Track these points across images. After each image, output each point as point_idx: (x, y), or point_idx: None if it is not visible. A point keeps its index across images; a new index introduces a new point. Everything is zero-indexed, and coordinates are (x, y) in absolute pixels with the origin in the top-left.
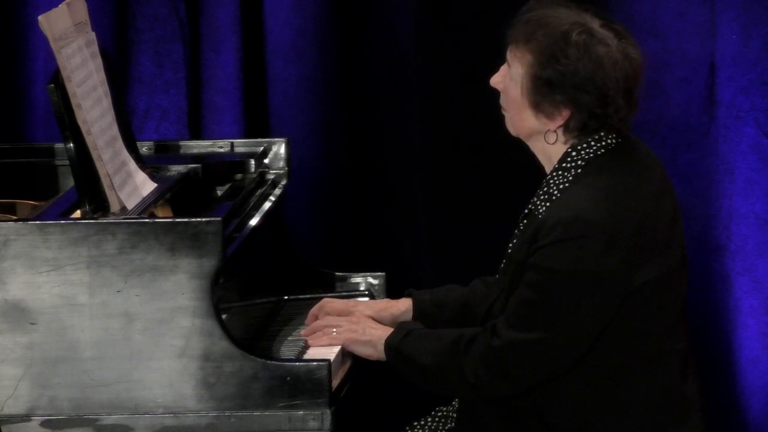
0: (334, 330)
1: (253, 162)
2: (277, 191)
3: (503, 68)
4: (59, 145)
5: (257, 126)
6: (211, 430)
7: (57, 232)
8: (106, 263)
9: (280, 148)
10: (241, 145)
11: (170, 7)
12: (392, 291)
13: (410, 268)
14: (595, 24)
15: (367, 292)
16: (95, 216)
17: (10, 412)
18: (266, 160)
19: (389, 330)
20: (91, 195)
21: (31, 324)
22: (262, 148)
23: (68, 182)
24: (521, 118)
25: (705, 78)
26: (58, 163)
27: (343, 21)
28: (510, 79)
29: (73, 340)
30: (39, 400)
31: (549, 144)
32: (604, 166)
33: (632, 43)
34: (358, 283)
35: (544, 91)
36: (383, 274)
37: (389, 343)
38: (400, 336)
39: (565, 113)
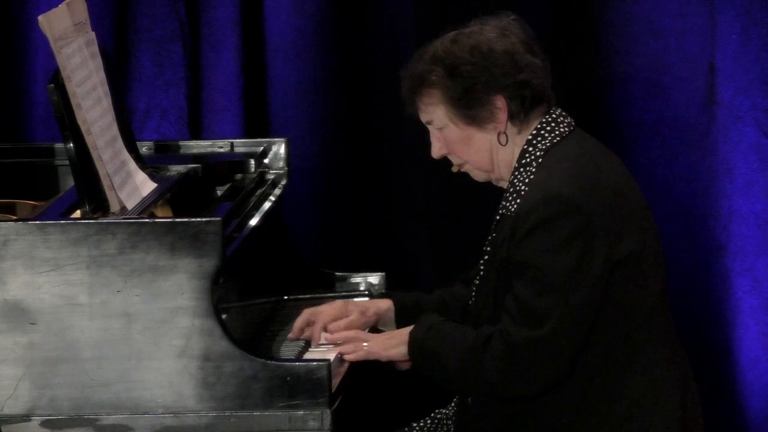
0: (366, 344)
1: (253, 162)
2: (277, 191)
3: (432, 135)
4: (59, 145)
5: (257, 126)
6: (211, 430)
7: (57, 232)
8: (106, 263)
9: (280, 148)
10: (241, 145)
11: (170, 7)
12: (392, 291)
13: (410, 268)
14: (453, 33)
15: (367, 292)
16: (95, 216)
17: (10, 412)
18: (266, 160)
19: (405, 333)
20: (91, 195)
21: (31, 324)
22: (262, 148)
23: (68, 182)
24: (477, 148)
25: (705, 78)
26: (58, 163)
27: (343, 21)
28: (441, 130)
29: (73, 340)
30: (39, 400)
31: (503, 146)
32: (564, 149)
33: (495, 21)
34: (357, 283)
35: (469, 102)
36: (383, 274)
37: (415, 337)
38: (424, 329)
39: (500, 102)
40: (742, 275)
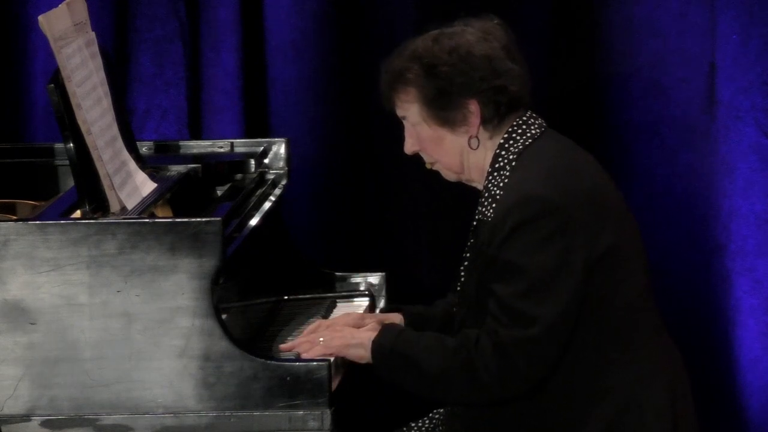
0: (321, 339)
1: (253, 162)
2: (277, 191)
3: (406, 130)
4: (59, 145)
5: (257, 126)
6: (211, 430)
7: (57, 232)
8: (106, 263)
9: (280, 148)
10: (241, 145)
11: (170, 7)
12: (392, 291)
13: (410, 268)
14: (436, 32)
15: (367, 292)
16: (95, 216)
17: (10, 412)
18: (266, 160)
19: (375, 332)
20: (91, 195)
21: (31, 324)
22: (262, 148)
23: (68, 182)
24: (447, 150)
25: (705, 78)
26: (58, 163)
27: (343, 21)
28: (414, 126)
29: (73, 340)
30: (39, 400)
31: (474, 150)
32: (536, 151)
33: (479, 23)
34: (358, 283)
35: (444, 103)
36: (383, 274)
37: (380, 344)
38: (392, 336)
39: (474, 106)
40: (742, 275)
